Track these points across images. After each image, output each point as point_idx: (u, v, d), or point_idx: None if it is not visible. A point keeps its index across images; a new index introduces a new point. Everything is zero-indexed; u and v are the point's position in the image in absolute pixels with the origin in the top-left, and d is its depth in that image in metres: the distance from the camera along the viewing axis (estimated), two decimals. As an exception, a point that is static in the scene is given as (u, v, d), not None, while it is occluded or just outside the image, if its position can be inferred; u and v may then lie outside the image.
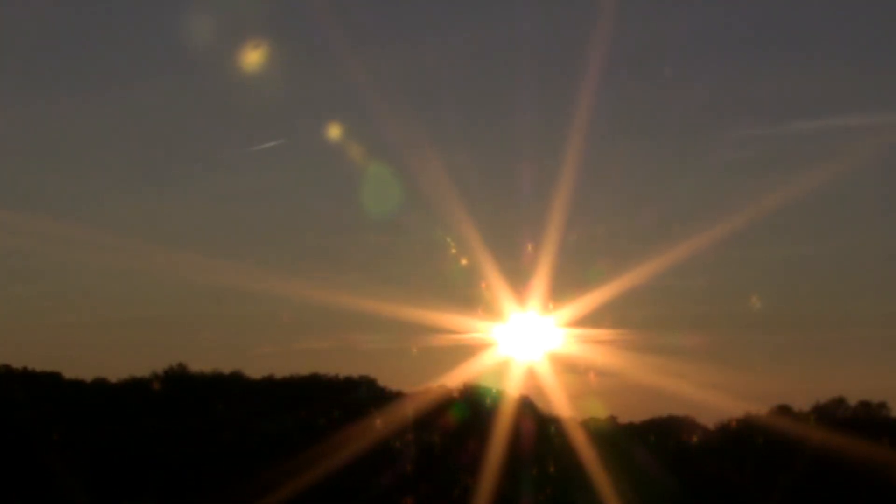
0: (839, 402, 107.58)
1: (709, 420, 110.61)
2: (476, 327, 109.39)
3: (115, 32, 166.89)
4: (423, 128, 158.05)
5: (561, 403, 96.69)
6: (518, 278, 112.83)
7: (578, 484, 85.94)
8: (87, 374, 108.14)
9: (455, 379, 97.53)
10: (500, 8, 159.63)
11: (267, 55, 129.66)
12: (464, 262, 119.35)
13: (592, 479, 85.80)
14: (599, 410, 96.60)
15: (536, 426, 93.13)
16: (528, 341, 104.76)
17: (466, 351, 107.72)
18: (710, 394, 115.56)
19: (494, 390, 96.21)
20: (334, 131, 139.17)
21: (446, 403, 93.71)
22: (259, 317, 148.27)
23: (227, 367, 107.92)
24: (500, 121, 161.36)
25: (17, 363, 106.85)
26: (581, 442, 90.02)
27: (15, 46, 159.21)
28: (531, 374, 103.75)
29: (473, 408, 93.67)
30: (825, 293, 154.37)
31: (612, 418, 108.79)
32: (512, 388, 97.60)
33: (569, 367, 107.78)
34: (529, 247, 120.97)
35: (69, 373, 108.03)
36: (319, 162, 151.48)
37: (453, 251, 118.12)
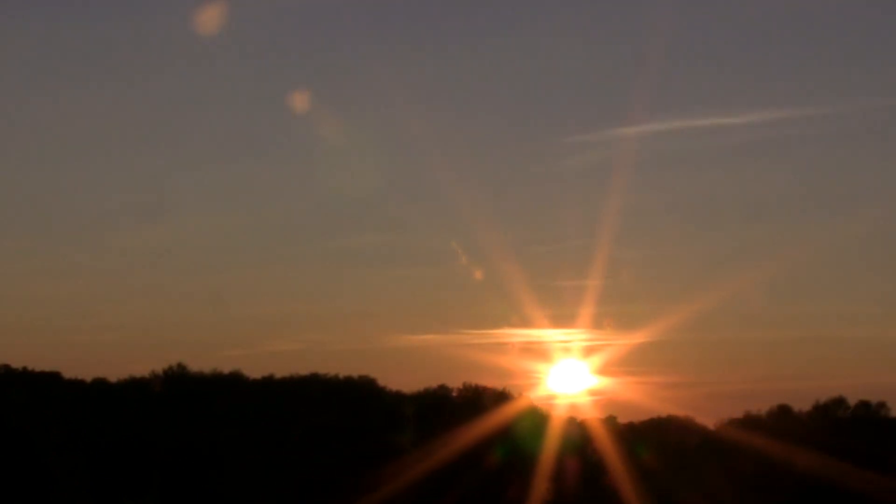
0: (839, 402, 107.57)
1: (709, 420, 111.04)
2: (520, 365, 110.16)
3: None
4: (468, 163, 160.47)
5: (604, 440, 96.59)
6: (559, 319, 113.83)
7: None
8: (87, 374, 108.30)
9: (499, 419, 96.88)
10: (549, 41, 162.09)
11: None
12: (478, 275, 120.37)
13: None
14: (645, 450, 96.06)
15: (581, 464, 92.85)
16: (571, 381, 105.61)
17: (513, 388, 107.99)
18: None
19: (537, 429, 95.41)
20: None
21: (490, 442, 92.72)
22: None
23: (225, 368, 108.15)
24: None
25: (16, 363, 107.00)
26: (624, 479, 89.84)
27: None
28: (574, 413, 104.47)
29: (518, 446, 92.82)
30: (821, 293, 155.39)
31: (612, 418, 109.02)
32: (555, 426, 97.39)
33: (610, 406, 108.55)
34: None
35: (69, 373, 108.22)
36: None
37: (477, 275, 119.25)
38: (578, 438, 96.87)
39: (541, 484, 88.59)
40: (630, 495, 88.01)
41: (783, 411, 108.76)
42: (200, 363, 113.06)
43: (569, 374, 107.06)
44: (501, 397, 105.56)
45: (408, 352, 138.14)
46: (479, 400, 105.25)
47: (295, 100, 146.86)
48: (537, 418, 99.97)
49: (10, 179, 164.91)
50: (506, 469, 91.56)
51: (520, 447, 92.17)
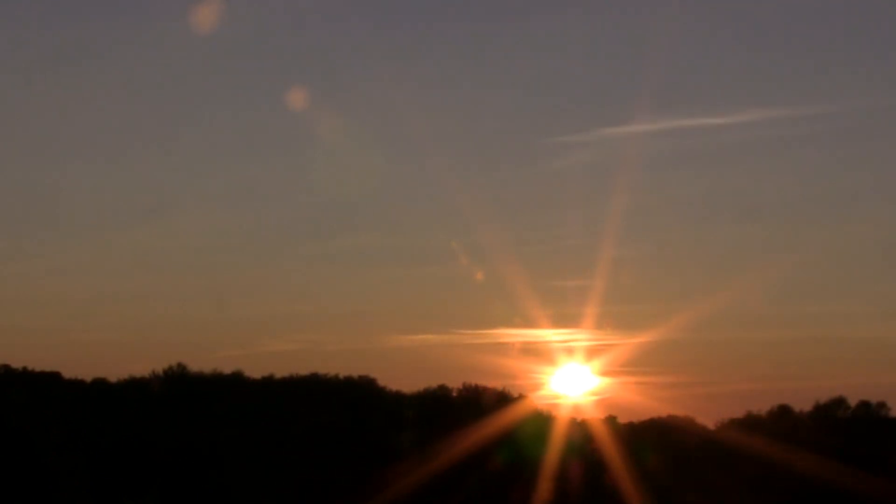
0: (839, 402, 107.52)
1: (709, 420, 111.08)
2: (519, 365, 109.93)
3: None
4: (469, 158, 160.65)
5: (605, 440, 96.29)
6: (562, 321, 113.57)
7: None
8: (87, 374, 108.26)
9: (501, 421, 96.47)
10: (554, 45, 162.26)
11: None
12: (479, 275, 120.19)
13: None
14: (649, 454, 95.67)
15: (584, 467, 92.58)
16: (571, 381, 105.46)
17: (514, 392, 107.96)
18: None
19: (539, 431, 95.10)
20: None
21: (492, 445, 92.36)
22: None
23: (226, 368, 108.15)
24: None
25: (16, 363, 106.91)
26: (625, 479, 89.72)
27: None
28: (574, 413, 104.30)
29: (519, 448, 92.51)
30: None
31: (613, 418, 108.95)
32: (556, 427, 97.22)
33: (610, 406, 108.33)
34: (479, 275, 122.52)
35: (69, 373, 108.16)
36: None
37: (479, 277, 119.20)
38: (579, 439, 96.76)
39: (543, 486, 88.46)
40: (631, 495, 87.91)
41: (783, 411, 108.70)
42: (200, 363, 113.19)
43: (569, 374, 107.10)
44: (501, 398, 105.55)
45: (407, 352, 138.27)
46: (479, 400, 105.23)
47: (295, 99, 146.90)
48: (539, 420, 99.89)
49: (10, 179, 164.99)
50: (508, 471, 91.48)
51: (521, 449, 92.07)
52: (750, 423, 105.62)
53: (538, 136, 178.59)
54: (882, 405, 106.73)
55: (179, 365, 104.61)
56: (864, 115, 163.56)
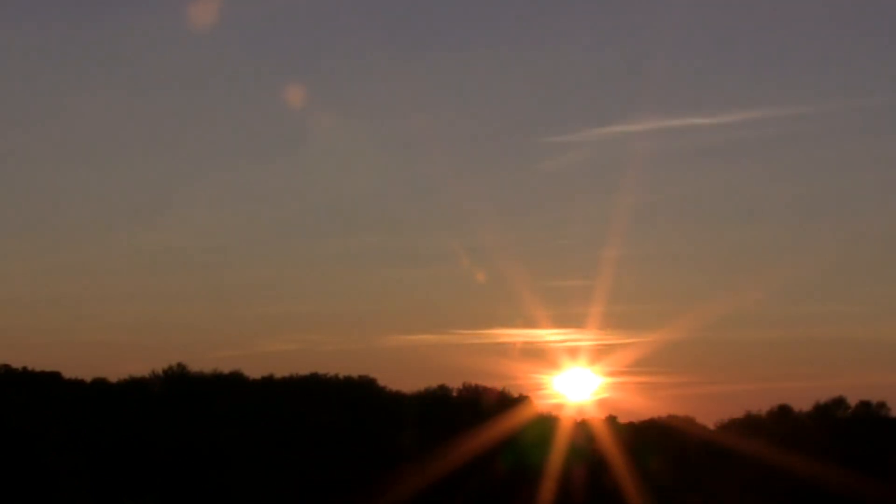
0: (839, 402, 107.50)
1: (709, 420, 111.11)
2: (519, 365, 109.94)
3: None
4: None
5: (605, 441, 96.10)
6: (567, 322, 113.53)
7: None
8: (87, 374, 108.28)
9: (502, 422, 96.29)
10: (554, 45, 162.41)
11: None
12: (480, 276, 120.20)
13: None
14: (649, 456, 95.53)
15: (585, 468, 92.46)
16: (571, 381, 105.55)
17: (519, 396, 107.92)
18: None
19: (540, 433, 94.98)
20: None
21: (494, 446, 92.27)
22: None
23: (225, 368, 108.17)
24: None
25: (16, 363, 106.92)
26: (626, 479, 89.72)
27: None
28: (575, 414, 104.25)
29: (523, 453, 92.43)
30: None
31: (613, 418, 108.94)
32: (556, 429, 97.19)
33: (610, 406, 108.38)
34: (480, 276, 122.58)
35: (69, 373, 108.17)
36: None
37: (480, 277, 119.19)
38: (580, 439, 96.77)
39: (544, 486, 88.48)
40: (632, 496, 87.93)
41: (783, 411, 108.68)
42: (200, 363, 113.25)
43: (569, 374, 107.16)
44: (502, 398, 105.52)
45: (407, 352, 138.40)
46: (479, 400, 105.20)
47: (294, 99, 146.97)
48: (539, 420, 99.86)
49: (11, 179, 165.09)
50: (509, 471, 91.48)
51: (522, 449, 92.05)
52: (750, 424, 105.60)
53: (538, 136, 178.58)
54: (882, 405, 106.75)
55: (179, 365, 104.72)
56: (864, 115, 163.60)
